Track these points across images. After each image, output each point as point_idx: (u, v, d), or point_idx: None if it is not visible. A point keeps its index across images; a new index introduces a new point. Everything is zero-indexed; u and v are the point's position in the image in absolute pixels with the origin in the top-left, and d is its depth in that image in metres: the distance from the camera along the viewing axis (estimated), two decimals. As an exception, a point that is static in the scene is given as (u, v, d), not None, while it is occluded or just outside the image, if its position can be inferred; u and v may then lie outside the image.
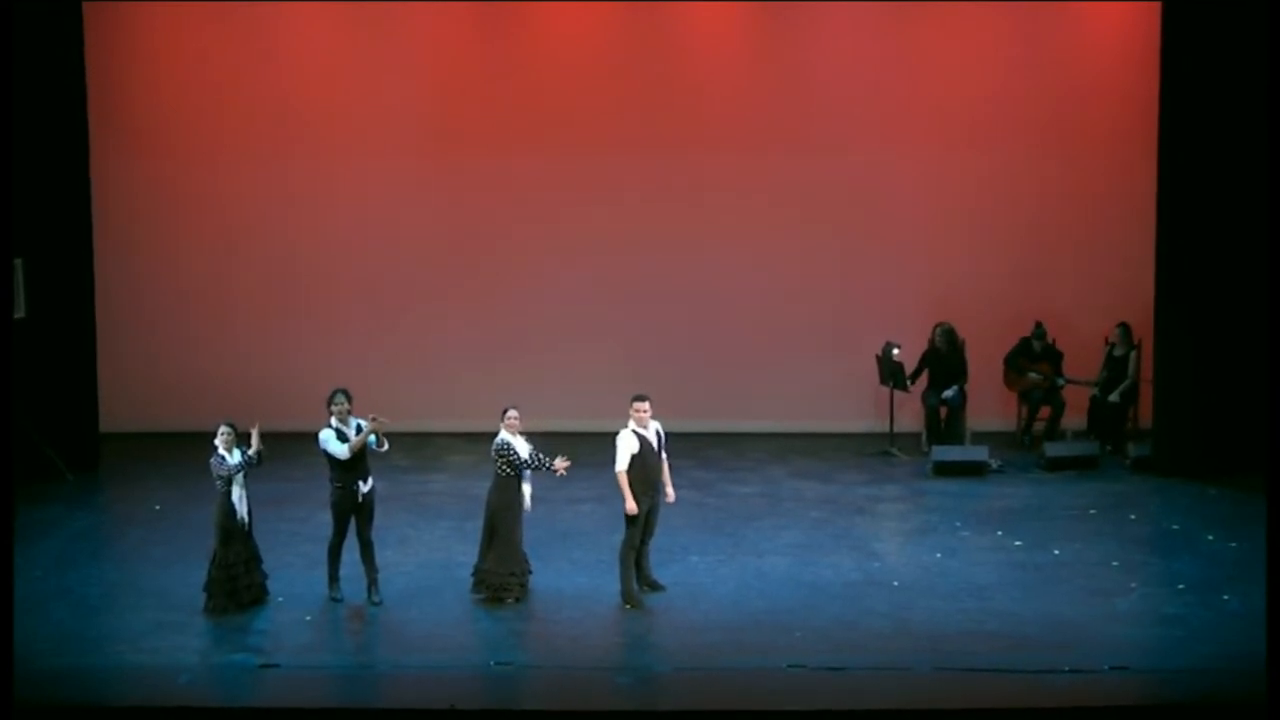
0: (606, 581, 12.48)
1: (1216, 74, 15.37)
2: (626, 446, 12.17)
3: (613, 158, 17.74)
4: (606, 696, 10.63)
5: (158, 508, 14.98)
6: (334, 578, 12.33)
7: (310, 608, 12.16)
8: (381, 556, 12.59)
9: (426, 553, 13.57)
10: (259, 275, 17.90)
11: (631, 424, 12.25)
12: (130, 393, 17.48)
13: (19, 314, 15.55)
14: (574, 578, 12.85)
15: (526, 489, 12.34)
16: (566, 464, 12.31)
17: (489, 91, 17.69)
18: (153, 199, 17.76)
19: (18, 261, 15.54)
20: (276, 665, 11.06)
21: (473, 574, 12.38)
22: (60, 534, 14.12)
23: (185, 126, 17.70)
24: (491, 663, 11.07)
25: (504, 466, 12.22)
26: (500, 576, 12.22)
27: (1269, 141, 14.56)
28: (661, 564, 12.84)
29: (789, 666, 10.98)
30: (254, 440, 12.02)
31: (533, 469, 12.27)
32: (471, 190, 17.84)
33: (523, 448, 12.28)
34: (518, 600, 12.23)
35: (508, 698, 10.60)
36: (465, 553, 13.43)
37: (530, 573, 12.47)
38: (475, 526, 14.30)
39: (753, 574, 13.03)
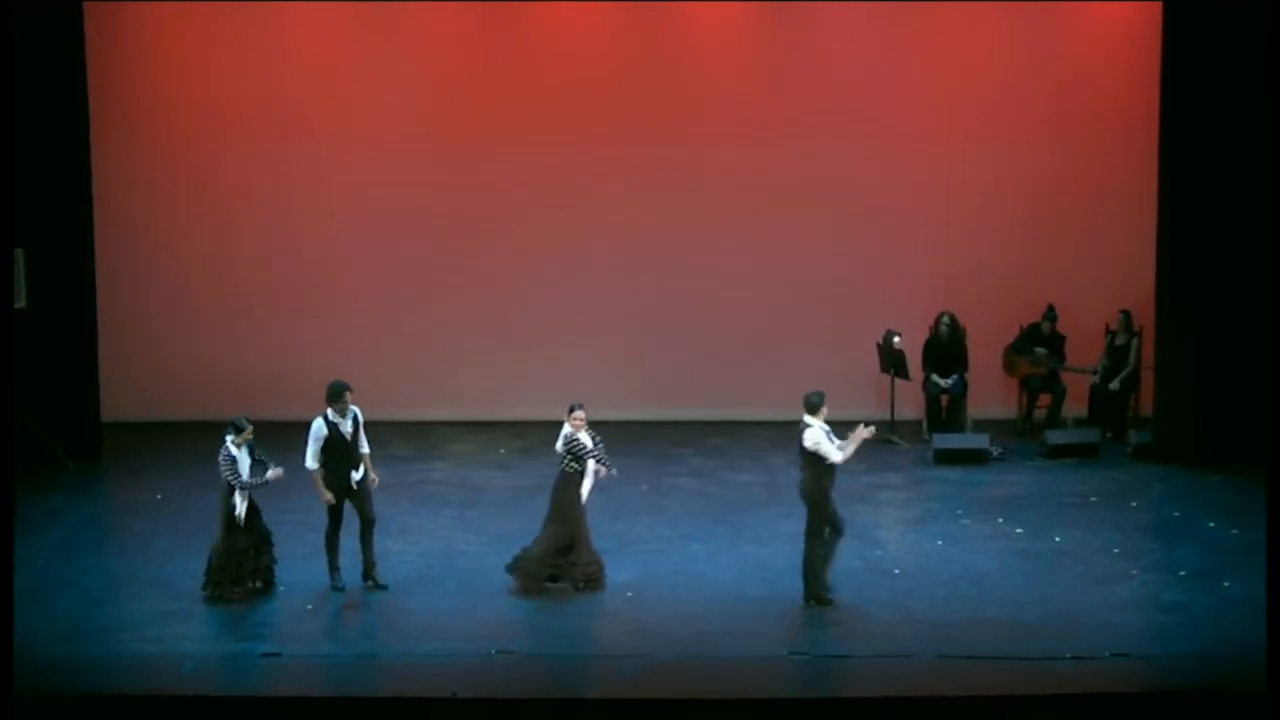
0: (608, 569, 12.45)
1: (1218, 64, 15.38)
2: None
3: (614, 149, 17.74)
4: (608, 684, 10.64)
5: (159, 497, 15.00)
6: (334, 566, 12.34)
7: (312, 597, 12.17)
8: (383, 545, 12.61)
9: (428, 541, 13.58)
10: (260, 265, 17.90)
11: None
12: (131, 382, 17.48)
13: (20, 304, 15.55)
14: (575, 566, 12.85)
15: (586, 484, 12.31)
16: (608, 473, 12.30)
17: (490, 83, 17.68)
18: (154, 189, 17.76)
19: (18, 252, 15.53)
20: (279, 654, 11.07)
21: (524, 561, 12.30)
22: (62, 524, 14.13)
23: (186, 116, 17.70)
24: (493, 651, 11.07)
25: (571, 462, 12.22)
26: (587, 567, 12.21)
27: (1269, 131, 14.55)
28: (663, 552, 12.88)
29: (790, 654, 11.00)
30: (272, 475, 12.06)
31: (595, 458, 12.22)
32: (473, 181, 17.83)
33: (589, 442, 12.28)
34: (567, 589, 12.21)
35: (509, 686, 10.59)
36: (467, 541, 13.48)
37: (598, 577, 12.42)
38: (476, 515, 14.37)
39: (754, 562, 13.04)
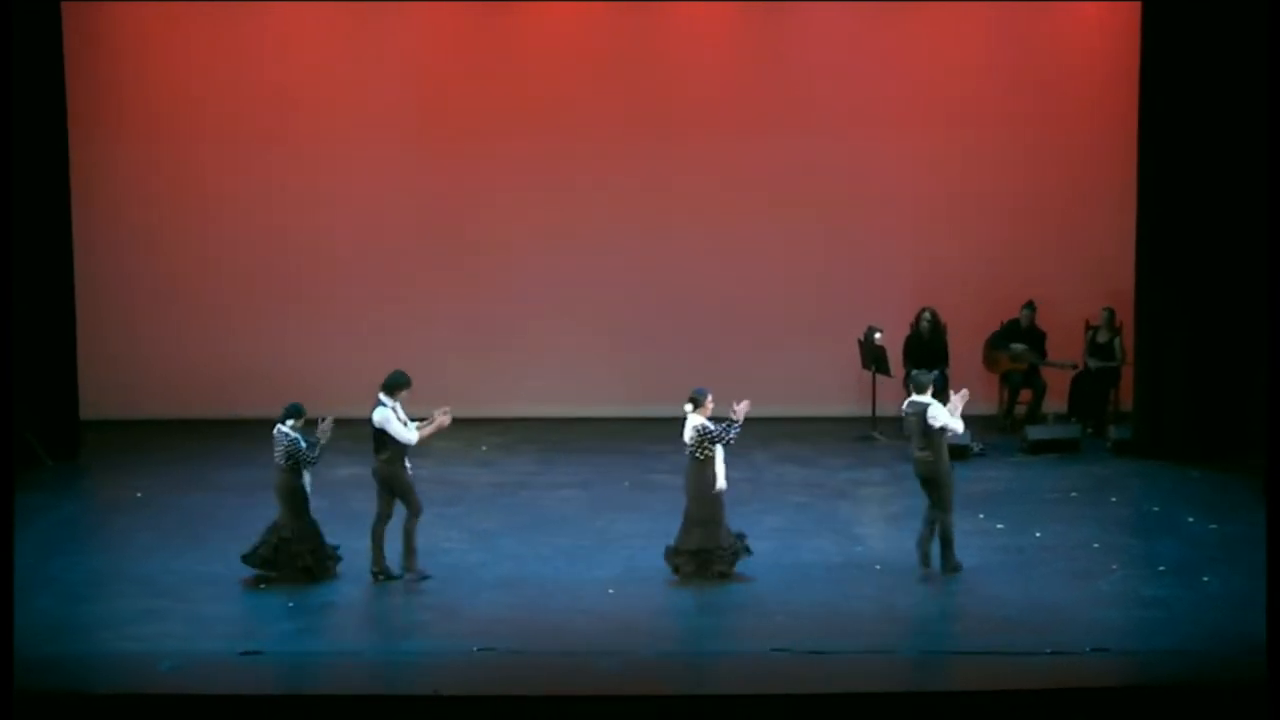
0: (590, 566, 12.49)
1: (1197, 59, 15.41)
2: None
3: (598, 145, 17.73)
4: (590, 681, 10.64)
5: (139, 495, 14.96)
6: (379, 555, 12.39)
7: (293, 595, 12.14)
8: (364, 543, 12.55)
9: (411, 539, 13.55)
10: (241, 261, 17.85)
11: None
12: (111, 380, 17.43)
13: (1, 301, 15.51)
14: (557, 563, 12.85)
15: (721, 468, 12.31)
16: (747, 405, 12.37)
17: (473, 81, 17.66)
18: (133, 185, 17.70)
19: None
20: (259, 652, 11.05)
21: (674, 556, 12.32)
22: (43, 521, 14.09)
23: (167, 112, 17.64)
24: (475, 649, 11.07)
25: (706, 448, 12.22)
26: (709, 553, 12.21)
27: (1257, 127, 14.58)
28: (644, 549, 12.86)
29: (772, 650, 11.01)
30: (323, 432, 12.19)
31: (729, 438, 12.25)
32: (458, 178, 17.82)
33: (714, 427, 12.31)
34: (723, 576, 12.21)
35: (491, 683, 10.59)
36: (449, 539, 13.46)
37: (745, 550, 12.43)
38: (458, 512, 14.35)
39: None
